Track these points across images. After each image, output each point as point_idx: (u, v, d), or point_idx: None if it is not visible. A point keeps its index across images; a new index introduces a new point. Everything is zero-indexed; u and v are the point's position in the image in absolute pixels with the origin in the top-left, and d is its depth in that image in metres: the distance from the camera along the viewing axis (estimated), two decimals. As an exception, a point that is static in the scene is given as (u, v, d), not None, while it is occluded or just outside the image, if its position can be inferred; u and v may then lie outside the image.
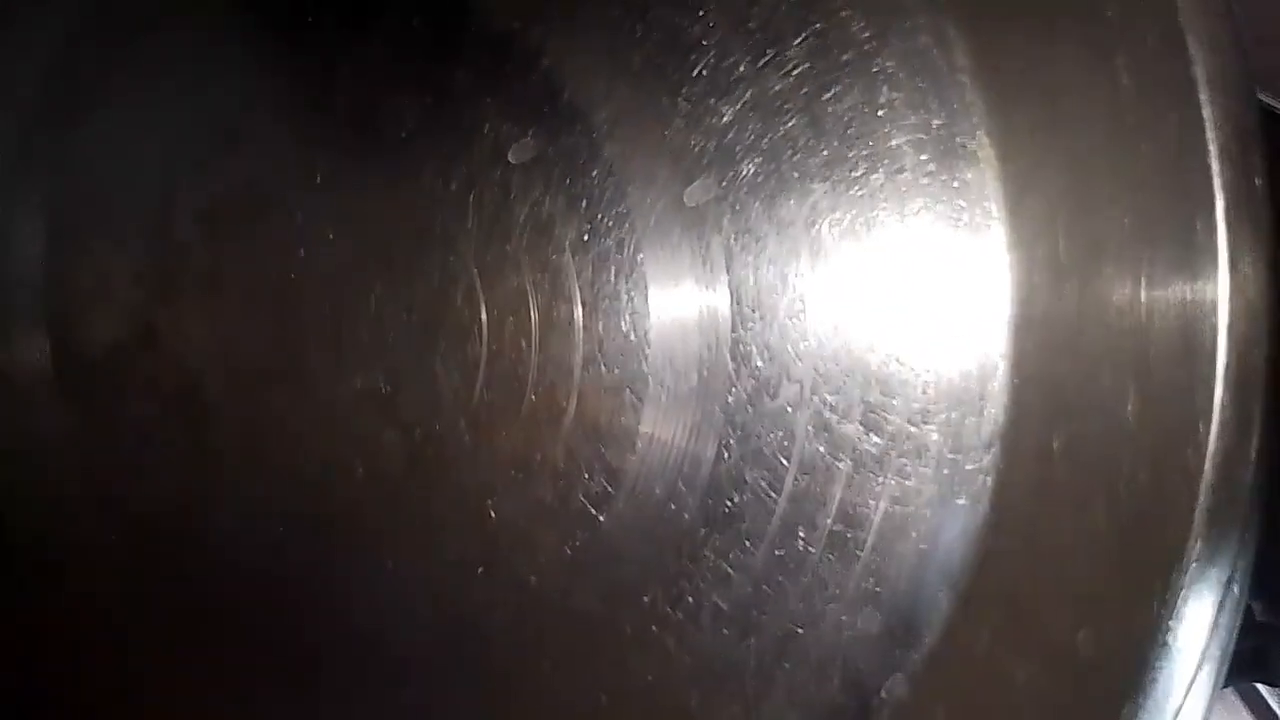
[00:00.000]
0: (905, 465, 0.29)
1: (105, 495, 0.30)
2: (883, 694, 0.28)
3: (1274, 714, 0.36)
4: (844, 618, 0.29)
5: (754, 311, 0.30)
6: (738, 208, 0.30)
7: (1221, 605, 0.23)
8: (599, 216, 0.30)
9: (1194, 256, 0.22)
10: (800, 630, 0.29)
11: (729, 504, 0.30)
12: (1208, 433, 0.22)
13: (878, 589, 0.29)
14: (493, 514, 0.30)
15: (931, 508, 0.29)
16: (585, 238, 0.30)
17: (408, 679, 0.30)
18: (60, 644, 0.31)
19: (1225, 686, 0.32)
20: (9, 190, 0.31)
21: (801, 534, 0.29)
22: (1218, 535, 0.22)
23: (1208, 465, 0.22)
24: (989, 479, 0.28)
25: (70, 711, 0.30)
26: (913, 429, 0.29)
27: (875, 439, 0.29)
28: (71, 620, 0.30)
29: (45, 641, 0.31)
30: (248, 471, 0.31)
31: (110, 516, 0.31)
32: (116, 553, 0.31)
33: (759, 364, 0.30)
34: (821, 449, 0.29)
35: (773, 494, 0.30)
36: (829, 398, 0.29)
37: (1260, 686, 0.36)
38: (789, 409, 0.30)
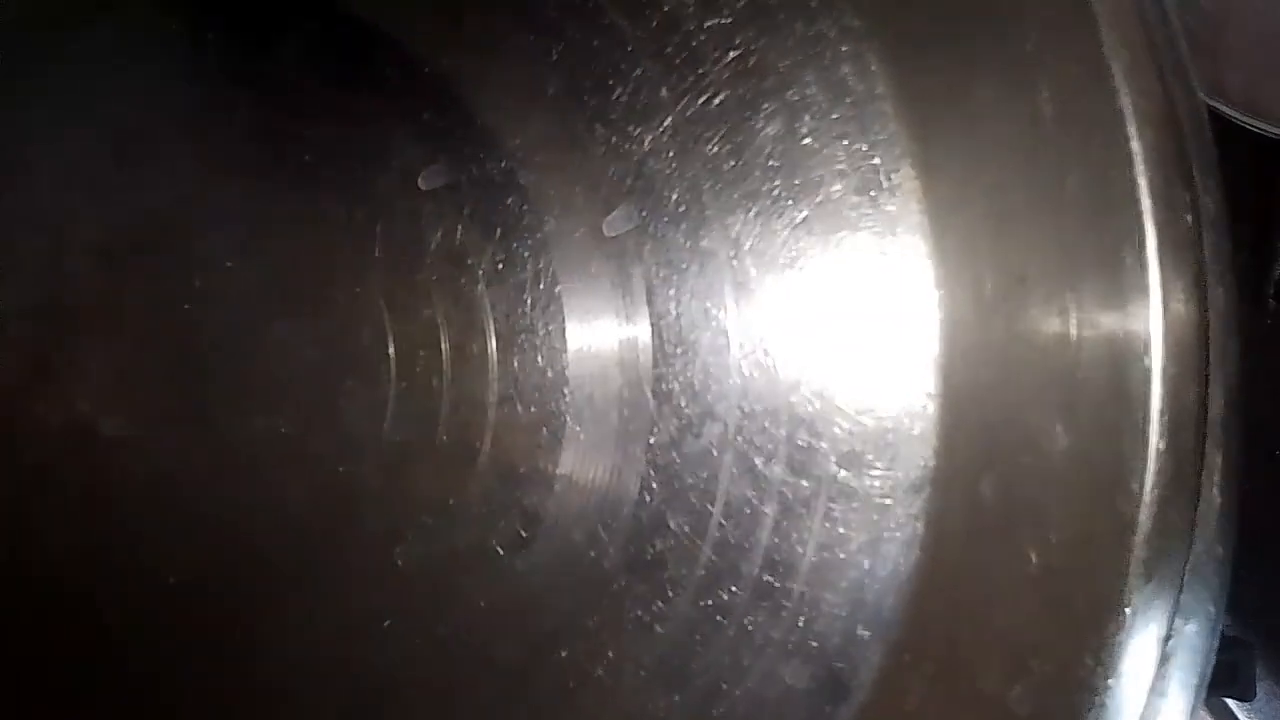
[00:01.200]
0: (834, 509, 0.28)
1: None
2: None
3: None
4: (772, 671, 0.28)
5: (676, 347, 0.29)
6: (659, 238, 0.29)
7: (1164, 661, 0.22)
8: (514, 246, 0.29)
9: (1123, 293, 0.21)
10: (726, 685, 0.28)
11: (651, 550, 0.28)
12: (1142, 481, 0.21)
13: (807, 640, 0.27)
14: (401, 562, 0.29)
15: (862, 554, 0.27)
16: (500, 268, 0.29)
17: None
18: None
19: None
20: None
21: (727, 583, 0.28)
22: (1155, 587, 0.21)
23: (1142, 514, 0.21)
24: (920, 524, 0.27)
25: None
26: (841, 471, 0.28)
27: (803, 482, 0.28)
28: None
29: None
30: (144, 516, 0.29)
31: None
32: (8, 604, 0.29)
33: (681, 402, 0.29)
34: (747, 492, 0.28)
35: (697, 540, 0.28)
36: (754, 439, 0.28)
37: (1230, 701, 0.36)
38: (713, 450, 0.28)
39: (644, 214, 0.28)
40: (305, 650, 0.29)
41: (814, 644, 0.27)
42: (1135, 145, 0.21)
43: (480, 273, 0.29)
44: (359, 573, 0.29)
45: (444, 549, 0.29)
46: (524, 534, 0.29)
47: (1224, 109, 0.33)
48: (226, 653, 0.29)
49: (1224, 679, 0.33)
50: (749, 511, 0.28)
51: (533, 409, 0.29)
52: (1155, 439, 0.21)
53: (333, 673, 0.29)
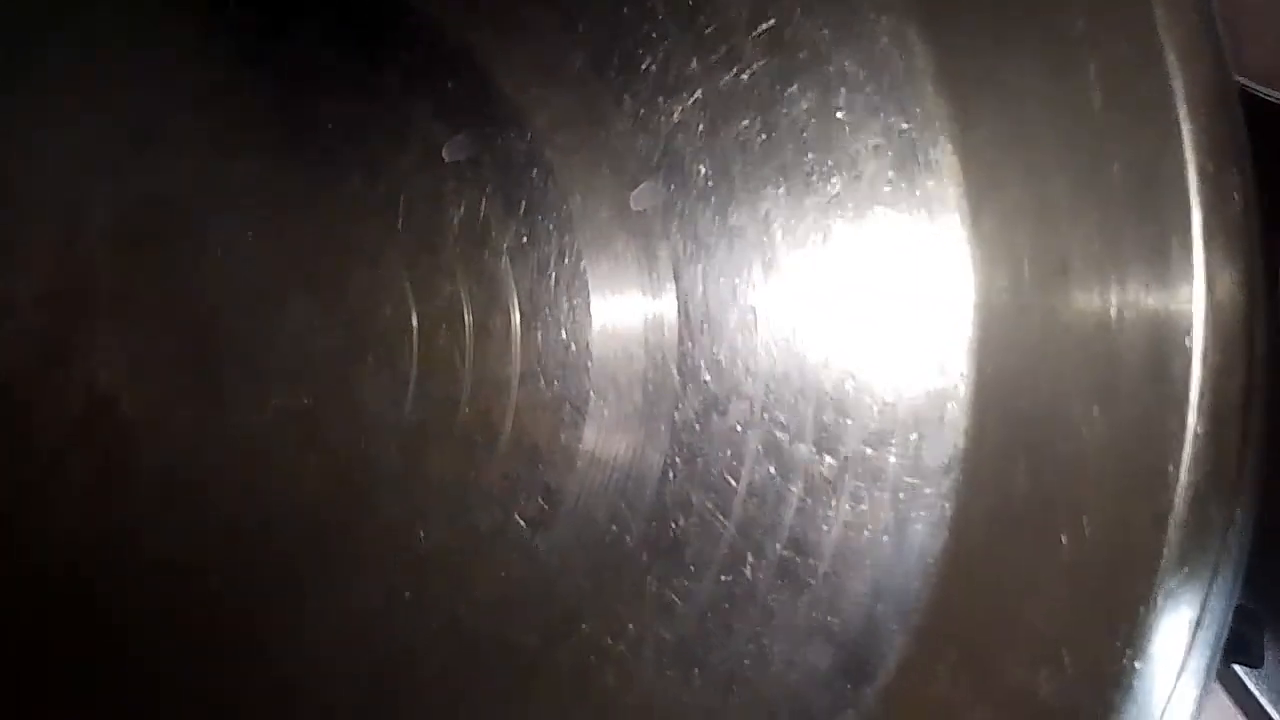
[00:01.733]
0: (860, 490, 0.27)
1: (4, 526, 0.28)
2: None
3: (1250, 693, 0.36)
4: (794, 652, 0.27)
5: (702, 324, 0.28)
6: (686, 214, 0.28)
7: (1191, 646, 0.22)
8: (538, 221, 0.29)
9: (1167, 280, 0.21)
10: (747, 664, 0.27)
11: (674, 528, 0.28)
12: (1179, 469, 0.21)
13: (830, 621, 0.27)
14: (422, 540, 0.29)
15: (888, 535, 0.27)
16: (524, 243, 0.29)
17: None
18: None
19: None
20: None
21: (750, 561, 0.28)
22: (1188, 575, 0.21)
23: (1179, 503, 0.21)
24: (948, 505, 0.26)
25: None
26: (868, 451, 0.27)
27: (829, 461, 0.27)
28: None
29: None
30: (161, 498, 0.28)
31: (9, 548, 0.28)
32: (15, 588, 0.28)
33: (707, 380, 0.28)
34: (772, 471, 0.28)
35: (720, 518, 0.28)
36: (781, 417, 0.28)
37: (1238, 669, 0.36)
38: (738, 428, 0.28)
39: (671, 189, 0.28)
40: (321, 633, 0.29)
41: (838, 625, 0.27)
42: (1186, 129, 0.20)
43: (504, 249, 0.28)
44: (377, 554, 0.29)
45: (464, 528, 0.29)
46: (545, 512, 0.29)
47: (1244, 82, 0.32)
48: (241, 637, 0.29)
49: (1233, 647, 0.33)
50: (774, 490, 0.28)
51: (556, 386, 0.29)
52: (1194, 426, 0.21)
53: (349, 655, 0.29)
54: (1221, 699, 0.35)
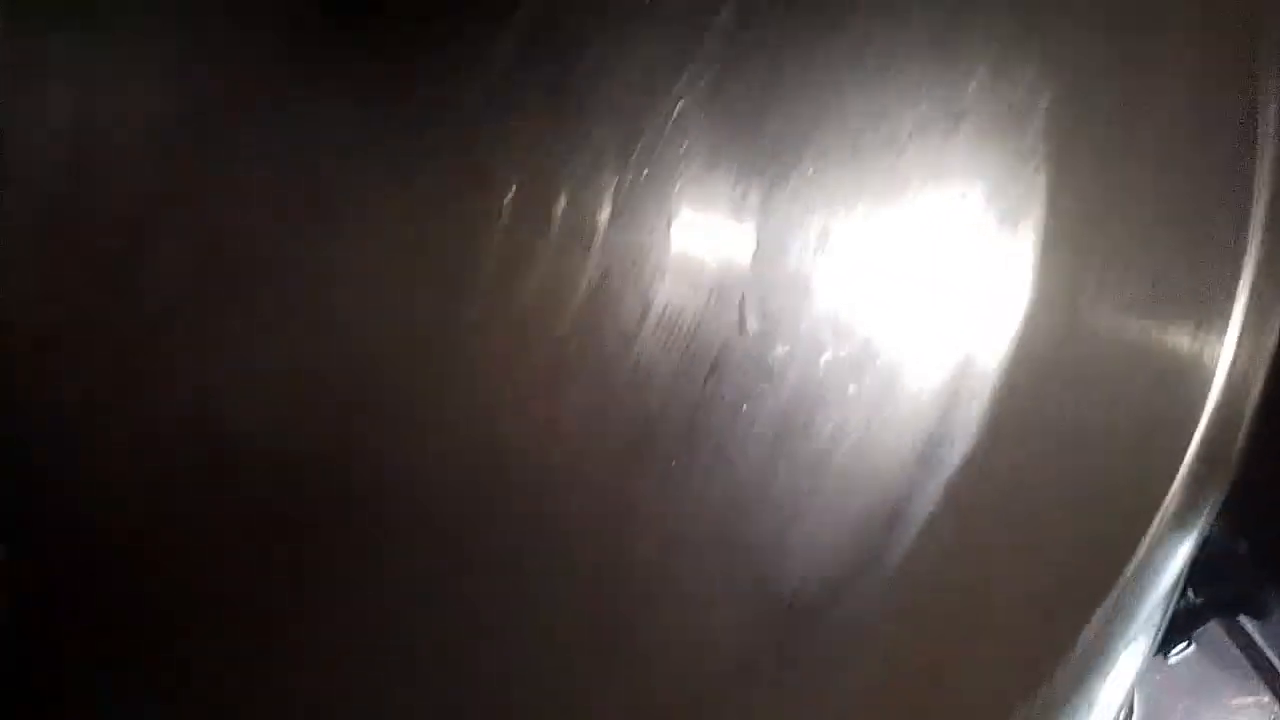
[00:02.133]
0: (935, 317, 0.28)
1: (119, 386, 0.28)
2: (914, 507, 0.29)
3: (1256, 644, 0.38)
4: (877, 433, 0.29)
5: (767, 186, 0.27)
6: (741, 62, 0.25)
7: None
8: (590, 106, 0.26)
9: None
10: (832, 447, 0.29)
11: (755, 328, 0.29)
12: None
13: (911, 407, 0.29)
14: (505, 392, 0.29)
15: (961, 337, 0.28)
16: (579, 129, 0.26)
17: (427, 526, 0.29)
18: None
19: (1210, 620, 0.34)
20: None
21: (829, 357, 0.29)
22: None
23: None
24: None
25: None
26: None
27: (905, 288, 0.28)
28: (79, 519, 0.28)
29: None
30: (250, 361, 0.28)
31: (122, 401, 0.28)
32: (129, 446, 0.28)
33: (773, 241, 0.28)
34: (850, 288, 0.28)
35: (796, 326, 0.29)
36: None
37: (1244, 620, 0.38)
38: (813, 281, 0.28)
39: (725, 57, 0.25)
40: (393, 517, 0.29)
41: (920, 408, 0.29)
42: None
43: (554, 138, 0.26)
44: (449, 442, 0.29)
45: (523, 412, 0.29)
46: (636, 322, 0.29)
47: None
48: (330, 489, 0.29)
49: (1243, 600, 0.35)
50: (852, 295, 0.28)
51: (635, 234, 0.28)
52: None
53: (443, 477, 0.29)
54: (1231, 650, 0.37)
